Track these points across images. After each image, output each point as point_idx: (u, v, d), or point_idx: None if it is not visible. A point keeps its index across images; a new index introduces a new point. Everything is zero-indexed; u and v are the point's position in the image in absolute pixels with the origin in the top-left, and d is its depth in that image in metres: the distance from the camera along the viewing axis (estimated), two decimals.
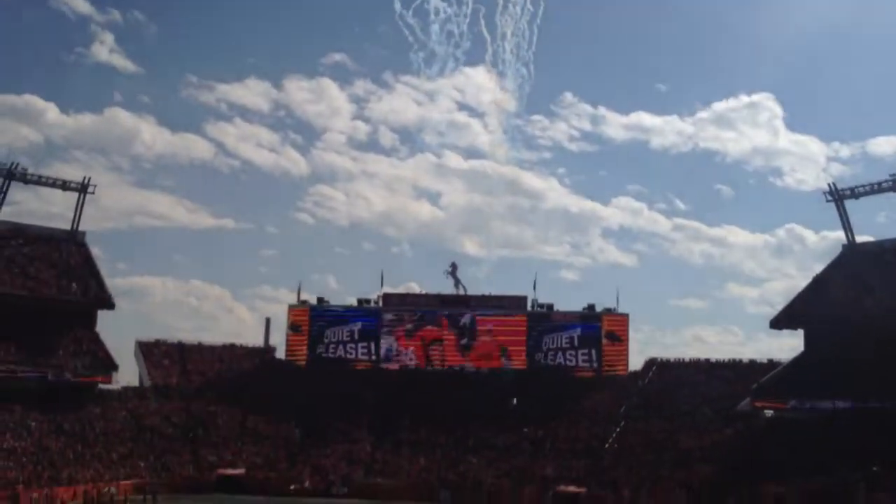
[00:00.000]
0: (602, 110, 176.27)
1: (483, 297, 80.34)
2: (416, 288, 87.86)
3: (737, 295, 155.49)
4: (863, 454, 45.75)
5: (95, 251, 75.95)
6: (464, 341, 78.21)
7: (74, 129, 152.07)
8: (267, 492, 58.98)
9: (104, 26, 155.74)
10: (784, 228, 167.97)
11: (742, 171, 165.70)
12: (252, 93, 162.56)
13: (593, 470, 60.81)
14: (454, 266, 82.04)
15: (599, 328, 76.73)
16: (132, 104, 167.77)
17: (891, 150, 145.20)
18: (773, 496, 44.64)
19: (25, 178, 70.72)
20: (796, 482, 45.62)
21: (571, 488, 58.14)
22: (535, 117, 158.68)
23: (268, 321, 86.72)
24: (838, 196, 67.06)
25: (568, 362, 76.71)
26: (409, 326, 78.95)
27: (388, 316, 79.42)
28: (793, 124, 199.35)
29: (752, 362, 72.33)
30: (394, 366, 78.56)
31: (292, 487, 60.10)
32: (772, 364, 67.90)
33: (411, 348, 78.73)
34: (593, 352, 76.25)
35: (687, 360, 76.37)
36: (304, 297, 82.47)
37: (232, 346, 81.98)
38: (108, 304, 70.98)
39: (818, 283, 65.91)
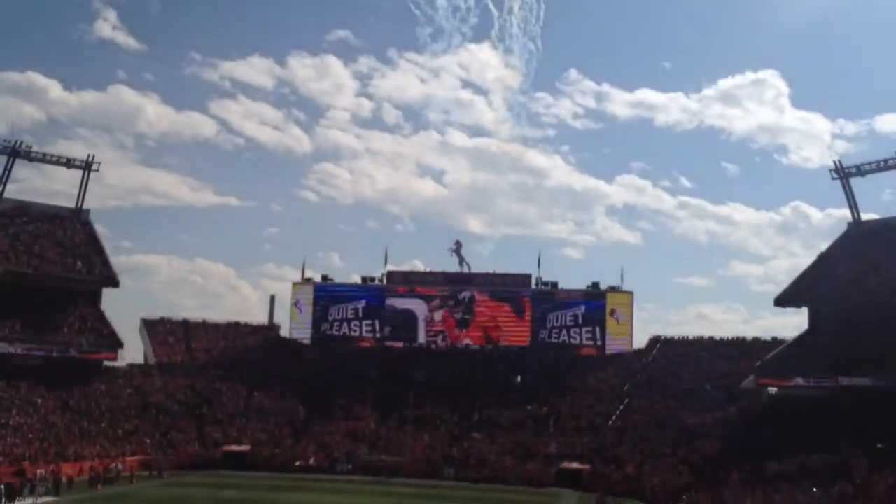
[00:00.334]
0: (606, 87, 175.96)
1: (487, 275, 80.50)
2: (420, 266, 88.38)
3: (741, 273, 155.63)
4: (866, 432, 45.73)
5: (100, 229, 76.36)
6: (459, 315, 78.44)
7: (78, 107, 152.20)
8: (272, 468, 59.32)
9: (107, 3, 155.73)
10: (789, 206, 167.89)
11: (747, 149, 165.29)
12: (255, 70, 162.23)
13: (597, 447, 61.01)
14: (458, 244, 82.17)
15: (604, 306, 76.78)
16: (136, 81, 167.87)
17: None
18: (776, 473, 44.66)
19: (30, 156, 70.69)
20: (799, 459, 45.65)
21: (575, 465, 58.43)
22: (540, 94, 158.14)
23: (272, 299, 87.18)
24: (844, 173, 66.67)
25: (572, 340, 76.90)
26: (411, 304, 79.25)
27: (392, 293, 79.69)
28: (798, 101, 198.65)
29: (756, 340, 72.45)
30: (398, 343, 78.77)
31: (297, 464, 60.40)
32: (776, 342, 67.93)
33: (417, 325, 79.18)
34: (597, 329, 76.40)
35: (691, 337, 76.51)
36: (308, 274, 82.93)
37: (236, 324, 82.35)
38: (113, 282, 71.14)
39: (823, 260, 65.72)
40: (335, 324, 79.79)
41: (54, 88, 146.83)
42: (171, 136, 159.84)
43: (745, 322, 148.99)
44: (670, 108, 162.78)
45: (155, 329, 77.29)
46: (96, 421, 60.88)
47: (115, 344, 68.25)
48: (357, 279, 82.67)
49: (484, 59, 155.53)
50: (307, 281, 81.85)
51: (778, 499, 38.90)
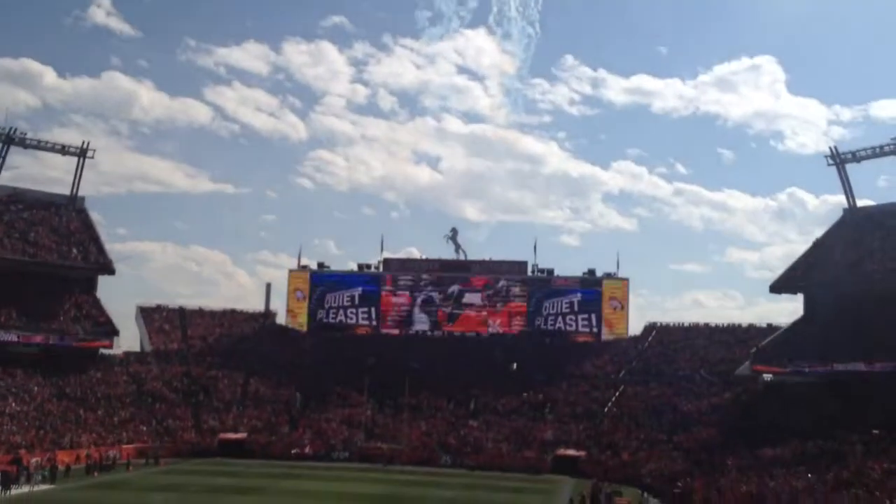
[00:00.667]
0: (603, 73, 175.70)
1: (483, 262, 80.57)
2: (416, 253, 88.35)
3: (737, 259, 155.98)
4: (862, 418, 45.83)
5: (95, 216, 76.09)
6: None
7: (72, 93, 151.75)
8: (268, 456, 59.41)
9: None
10: (785, 192, 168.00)
11: (743, 135, 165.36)
12: (250, 56, 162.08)
13: (593, 434, 61.20)
14: (454, 231, 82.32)
15: (600, 293, 76.87)
16: (130, 68, 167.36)
17: (893, 113, 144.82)
18: (771, 459, 44.80)
19: (24, 143, 70.41)
20: (794, 445, 45.80)
21: (571, 452, 58.62)
22: (536, 81, 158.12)
23: (268, 286, 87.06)
24: (840, 160, 66.61)
25: (568, 327, 77.03)
26: (408, 291, 79.31)
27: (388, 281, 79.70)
28: (794, 87, 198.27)
29: (752, 326, 72.72)
30: (394, 330, 78.85)
31: (294, 451, 60.48)
32: (771, 328, 68.10)
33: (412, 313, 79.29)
34: (593, 316, 76.52)
35: (686, 324, 76.72)
36: (304, 262, 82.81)
37: (232, 312, 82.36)
38: (109, 270, 71.02)
39: (818, 247, 65.75)
40: (331, 311, 79.82)
41: (48, 75, 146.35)
42: (165, 123, 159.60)
43: (740, 309, 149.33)
44: (666, 94, 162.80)
45: (151, 316, 77.25)
46: (92, 409, 60.89)
47: (111, 331, 68.18)
48: (353, 266, 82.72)
49: (480, 44, 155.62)
50: (303, 268, 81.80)
51: (773, 485, 39.00)
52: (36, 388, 60.06)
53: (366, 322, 79.44)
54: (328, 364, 73.53)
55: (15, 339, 62.04)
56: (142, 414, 62.80)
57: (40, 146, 72.14)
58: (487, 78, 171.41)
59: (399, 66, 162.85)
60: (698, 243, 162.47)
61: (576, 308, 77.02)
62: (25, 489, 42.02)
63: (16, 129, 69.64)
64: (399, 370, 69.47)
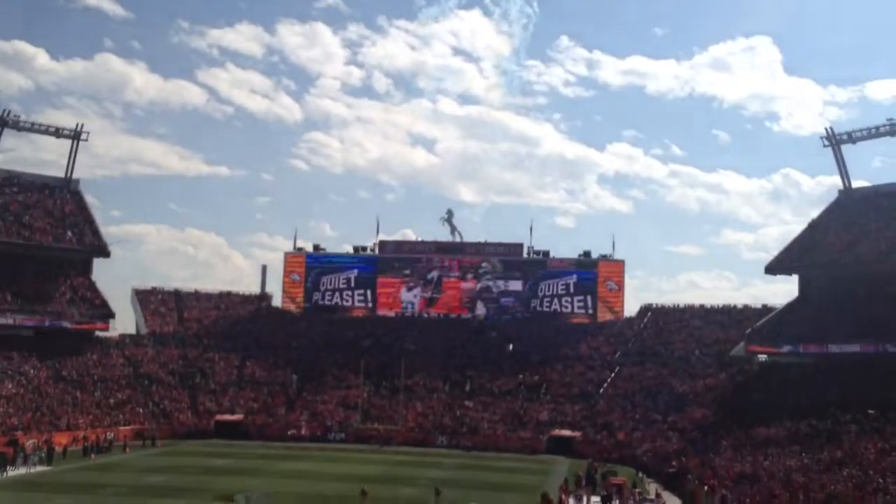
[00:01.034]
0: (598, 54, 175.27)
1: (479, 244, 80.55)
2: (411, 235, 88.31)
3: (732, 241, 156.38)
4: (855, 398, 46.03)
5: (89, 199, 75.82)
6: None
7: (65, 75, 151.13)
8: (265, 437, 59.65)
9: None
10: (780, 173, 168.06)
11: (739, 116, 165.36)
12: (244, 38, 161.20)
13: (588, 414, 61.47)
14: (450, 213, 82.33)
15: (595, 275, 76.95)
16: (123, 50, 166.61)
17: (889, 93, 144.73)
18: (765, 439, 45.02)
19: (18, 126, 70.14)
20: (788, 426, 46.02)
21: (567, 432, 58.90)
22: (531, 62, 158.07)
23: (264, 269, 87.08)
24: (835, 141, 66.53)
25: (564, 309, 77.10)
26: (404, 274, 79.42)
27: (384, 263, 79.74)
28: (790, 68, 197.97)
29: (747, 307, 72.78)
30: (390, 312, 78.93)
31: (290, 433, 60.68)
32: (766, 309, 68.17)
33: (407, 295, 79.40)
34: (589, 298, 76.61)
35: (682, 305, 76.83)
36: (299, 244, 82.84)
37: (228, 294, 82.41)
38: (104, 252, 70.86)
39: (813, 228, 65.78)
40: (327, 293, 79.86)
41: (41, 56, 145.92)
42: (159, 105, 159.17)
43: (735, 290, 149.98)
44: (662, 75, 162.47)
45: (146, 299, 77.25)
46: (89, 391, 60.95)
47: (107, 314, 68.21)
48: (349, 249, 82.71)
49: (475, 26, 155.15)
50: (299, 251, 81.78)
51: (767, 464, 39.22)
52: (32, 371, 60.07)
53: (361, 304, 79.51)
54: (324, 346, 73.65)
55: (11, 321, 61.95)
56: (138, 396, 62.88)
57: (34, 129, 71.90)
58: (483, 59, 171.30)
59: (394, 48, 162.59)
60: (693, 225, 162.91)
61: (571, 290, 77.09)
62: (22, 471, 42.22)
63: (9, 112, 69.49)
64: (395, 352, 69.71)
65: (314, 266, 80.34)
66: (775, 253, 66.62)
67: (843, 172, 67.45)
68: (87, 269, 71.04)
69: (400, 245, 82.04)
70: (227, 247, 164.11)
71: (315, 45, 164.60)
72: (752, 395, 55.49)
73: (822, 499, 30.77)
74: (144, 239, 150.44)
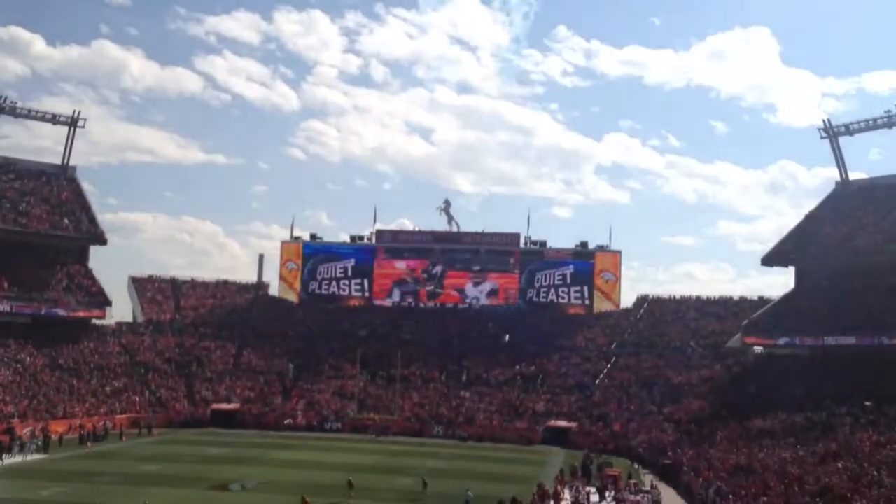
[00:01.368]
0: (596, 44, 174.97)
1: (476, 233, 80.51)
2: (408, 224, 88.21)
3: (728, 232, 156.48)
4: (851, 391, 46.14)
5: (86, 186, 75.57)
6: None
7: (62, 62, 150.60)
8: (261, 426, 59.67)
9: None
10: (777, 165, 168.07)
11: (736, 108, 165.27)
12: (241, 25, 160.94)
13: (584, 405, 61.56)
14: (447, 203, 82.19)
15: (592, 265, 76.97)
16: (119, 36, 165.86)
17: (886, 85, 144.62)
18: (761, 431, 45.12)
19: (14, 112, 69.89)
20: (783, 418, 46.12)
21: (562, 423, 59.00)
22: (528, 51, 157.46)
23: (261, 257, 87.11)
24: (833, 132, 66.49)
25: (560, 299, 77.15)
26: (400, 263, 79.43)
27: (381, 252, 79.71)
28: (788, 59, 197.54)
29: (743, 299, 72.96)
30: (387, 302, 78.94)
31: (286, 422, 60.70)
32: (762, 301, 68.25)
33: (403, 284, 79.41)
34: (585, 289, 76.66)
35: (678, 296, 76.97)
36: (296, 233, 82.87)
37: (225, 283, 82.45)
38: (101, 240, 70.69)
39: (810, 220, 65.80)
40: (324, 282, 79.86)
41: (37, 43, 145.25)
42: (156, 92, 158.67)
43: (731, 281, 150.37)
44: (659, 65, 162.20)
45: (143, 287, 77.22)
46: (85, 379, 60.91)
47: (104, 302, 68.02)
48: (346, 238, 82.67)
49: (473, 14, 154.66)
50: (296, 239, 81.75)
51: (762, 456, 39.30)
52: (28, 359, 60.01)
53: (358, 293, 79.51)
54: (321, 335, 73.70)
55: (7, 309, 61.82)
56: (134, 384, 62.85)
57: (30, 115, 71.58)
58: (480, 49, 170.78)
59: (392, 36, 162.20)
60: (690, 216, 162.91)
61: (568, 280, 77.12)
62: (18, 459, 42.26)
63: (5, 98, 69.25)
64: (391, 341, 69.77)
65: (311, 255, 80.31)
66: (772, 244, 66.71)
67: (841, 164, 67.53)
68: (83, 256, 70.88)
69: (397, 234, 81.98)
70: (224, 235, 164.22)
71: (312, 32, 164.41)
72: (748, 387, 55.60)
73: (816, 491, 30.78)
74: (141, 227, 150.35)
